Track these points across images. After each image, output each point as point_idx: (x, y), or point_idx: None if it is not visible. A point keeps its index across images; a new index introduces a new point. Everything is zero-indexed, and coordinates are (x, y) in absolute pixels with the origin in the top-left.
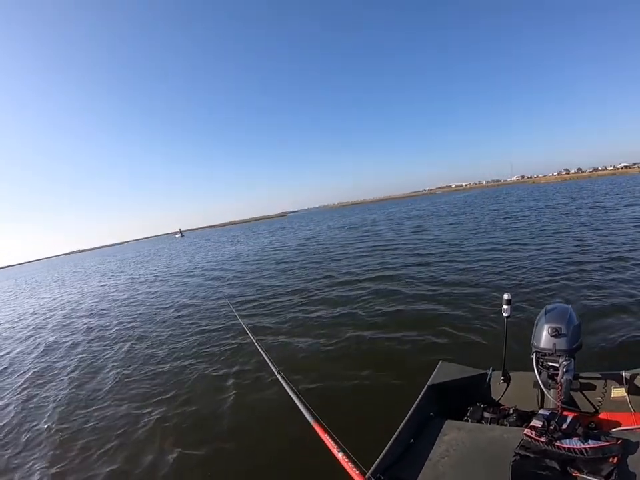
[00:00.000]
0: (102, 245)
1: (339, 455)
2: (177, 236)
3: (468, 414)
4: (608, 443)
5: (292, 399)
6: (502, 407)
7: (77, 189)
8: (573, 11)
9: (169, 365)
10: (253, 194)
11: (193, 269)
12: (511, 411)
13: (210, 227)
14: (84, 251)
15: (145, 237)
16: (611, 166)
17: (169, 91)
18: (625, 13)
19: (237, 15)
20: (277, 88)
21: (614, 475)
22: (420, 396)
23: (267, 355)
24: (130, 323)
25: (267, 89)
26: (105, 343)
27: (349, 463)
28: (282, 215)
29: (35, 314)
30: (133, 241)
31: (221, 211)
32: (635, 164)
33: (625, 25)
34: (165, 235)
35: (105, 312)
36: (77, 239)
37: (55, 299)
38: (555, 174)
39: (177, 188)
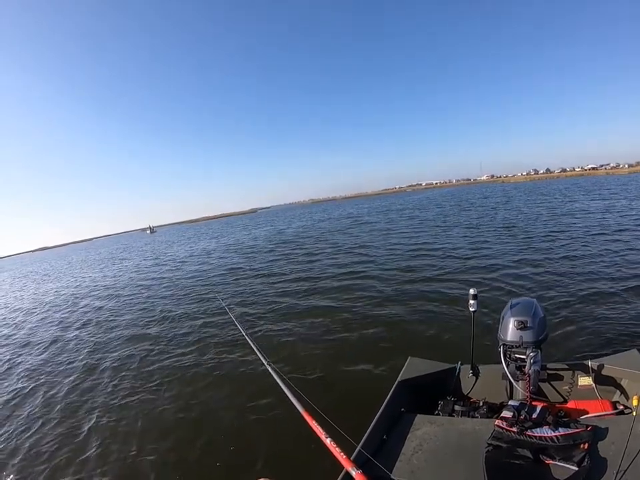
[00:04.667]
0: (71, 241)
1: (327, 441)
2: (147, 232)
3: (439, 408)
4: (578, 430)
5: (282, 389)
6: (472, 400)
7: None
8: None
9: (157, 357)
10: (214, 191)
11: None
12: (481, 404)
13: (179, 223)
14: (53, 247)
15: (113, 233)
16: (578, 167)
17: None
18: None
19: None
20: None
21: (586, 460)
22: (390, 392)
23: (256, 347)
24: (116, 311)
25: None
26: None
27: (337, 448)
28: (252, 211)
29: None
30: (103, 237)
31: (186, 207)
32: (601, 166)
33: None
34: (133, 231)
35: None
36: (43, 235)
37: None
38: (524, 174)
39: (136, 184)
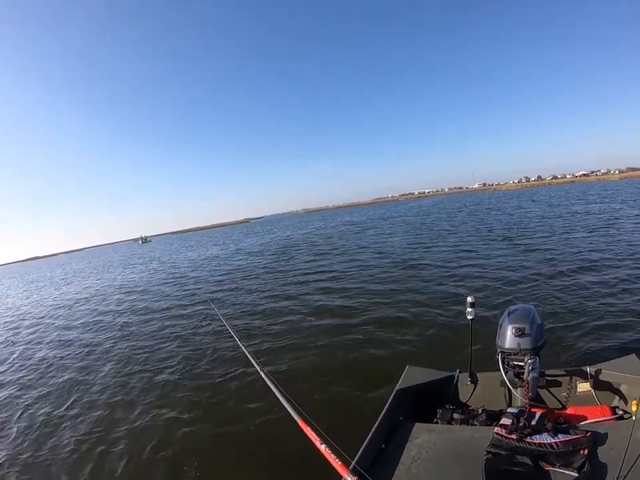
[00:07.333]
0: (61, 251)
1: (322, 448)
2: (139, 242)
3: (437, 416)
4: (577, 436)
5: (276, 395)
6: (471, 408)
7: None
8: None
9: (148, 365)
10: (208, 200)
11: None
12: (480, 411)
13: (173, 233)
14: (44, 257)
15: (103, 243)
16: (570, 174)
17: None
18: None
19: None
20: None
21: (586, 466)
22: (389, 401)
23: (250, 354)
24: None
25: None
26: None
27: (332, 455)
28: (246, 220)
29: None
30: (94, 247)
31: (180, 217)
32: (592, 172)
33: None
34: (123, 241)
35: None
36: (30, 245)
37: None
38: (515, 181)
39: (127, 192)
